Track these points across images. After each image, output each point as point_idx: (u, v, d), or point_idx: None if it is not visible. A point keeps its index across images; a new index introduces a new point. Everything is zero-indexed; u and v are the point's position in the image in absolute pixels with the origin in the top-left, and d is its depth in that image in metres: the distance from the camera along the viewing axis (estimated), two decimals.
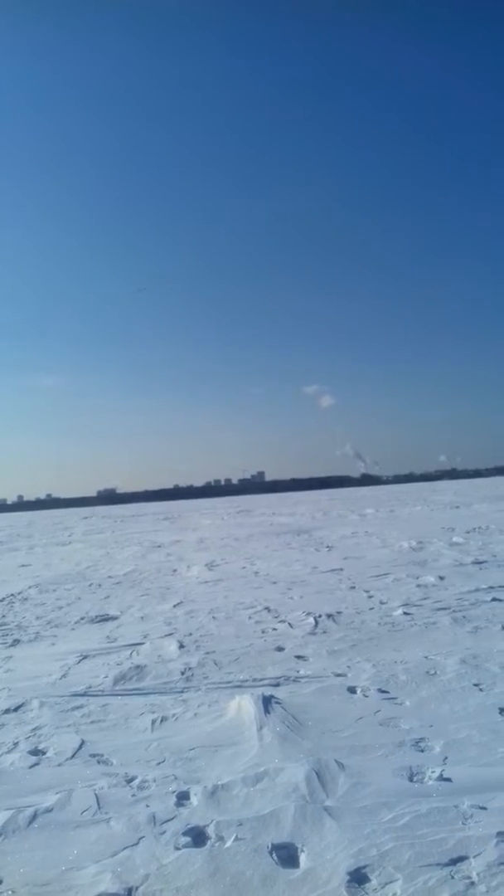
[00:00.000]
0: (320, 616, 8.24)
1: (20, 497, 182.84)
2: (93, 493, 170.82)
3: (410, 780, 3.86)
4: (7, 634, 8.71)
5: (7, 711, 5.55)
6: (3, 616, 10.09)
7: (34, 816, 3.67)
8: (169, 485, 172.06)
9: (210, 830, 3.43)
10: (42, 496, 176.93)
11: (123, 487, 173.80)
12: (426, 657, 6.27)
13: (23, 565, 17.62)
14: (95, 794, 3.89)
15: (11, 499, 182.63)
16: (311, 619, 8.12)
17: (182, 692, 5.78)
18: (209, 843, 3.33)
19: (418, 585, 9.94)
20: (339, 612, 8.45)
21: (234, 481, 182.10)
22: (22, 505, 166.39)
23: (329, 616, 8.24)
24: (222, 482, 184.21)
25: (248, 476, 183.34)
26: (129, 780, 4.07)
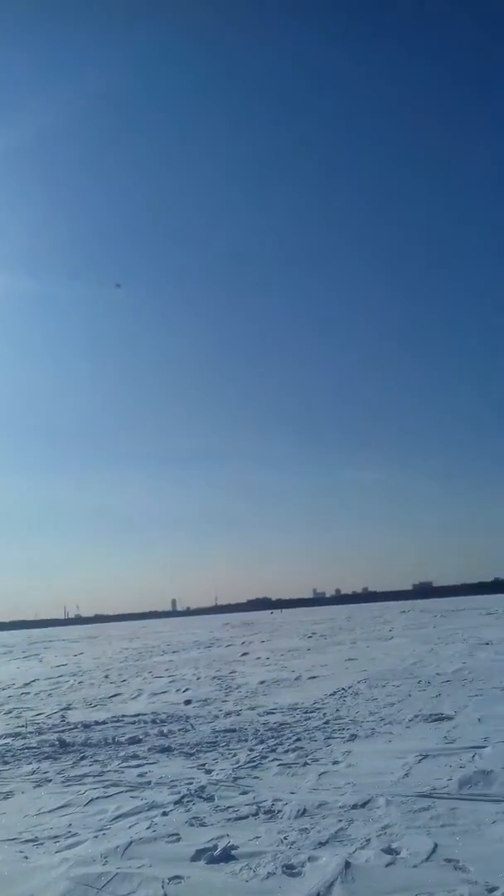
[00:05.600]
0: None
1: (337, 591, 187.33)
2: (408, 587, 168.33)
3: None
4: (344, 729, 8.86)
5: (355, 807, 5.61)
6: (337, 710, 10.29)
7: None
8: (488, 578, 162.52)
9: None
10: (358, 589, 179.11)
11: (440, 581, 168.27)
12: None
13: (349, 659, 17.89)
14: None
15: (330, 592, 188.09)
16: None
17: None
18: None
19: None
20: None
21: None
22: (339, 598, 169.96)
23: None
24: None
25: None
26: (491, 891, 3.84)
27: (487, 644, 18.77)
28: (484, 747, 7.16)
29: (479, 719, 8.69)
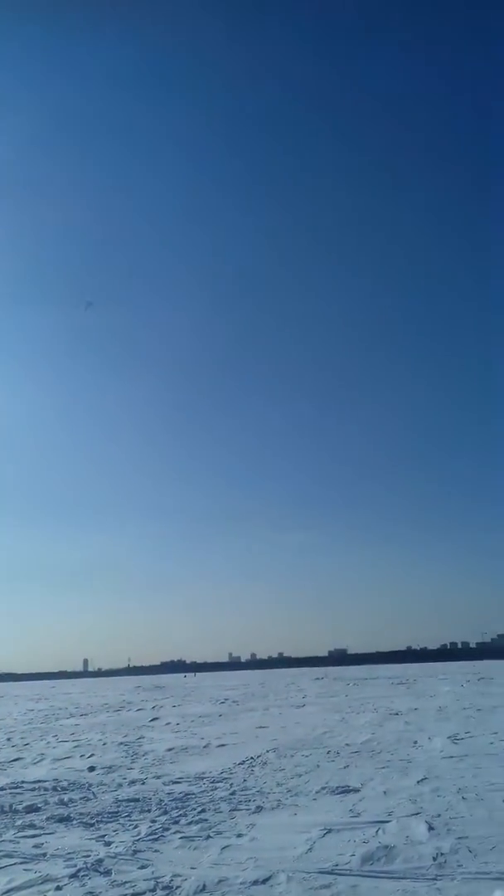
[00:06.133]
0: None
1: (253, 655, 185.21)
2: (324, 653, 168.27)
3: None
4: (250, 800, 8.71)
5: (256, 883, 5.51)
6: (245, 780, 10.12)
7: None
8: (401, 646, 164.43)
9: None
10: (274, 655, 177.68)
11: (354, 648, 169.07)
12: None
13: (260, 727, 17.65)
14: None
15: (245, 657, 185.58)
16: None
17: (435, 880, 5.36)
18: None
19: None
20: None
21: (472, 644, 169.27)
22: (255, 663, 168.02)
23: None
24: (458, 645, 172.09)
25: (486, 639, 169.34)
26: None
27: (397, 714, 18.90)
28: (388, 822, 7.18)
29: (384, 792, 8.71)
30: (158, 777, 10.81)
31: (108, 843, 6.94)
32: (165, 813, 8.23)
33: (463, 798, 8.07)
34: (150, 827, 7.55)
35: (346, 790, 8.96)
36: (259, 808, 8.24)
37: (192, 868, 6.01)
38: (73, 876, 5.87)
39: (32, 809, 8.74)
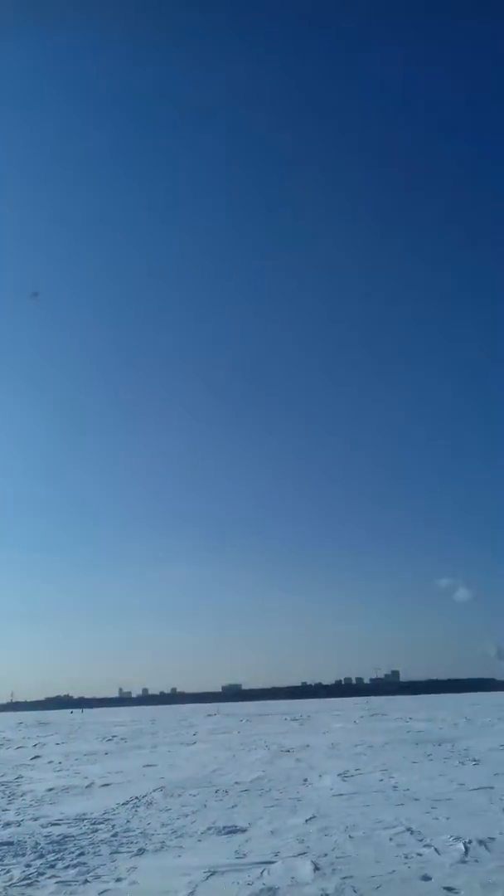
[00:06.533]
0: (470, 842, 7.38)
1: (145, 690, 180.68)
2: (217, 689, 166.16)
3: None
4: (132, 842, 8.32)
5: None
6: (128, 822, 9.69)
7: None
8: (296, 682, 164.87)
9: None
10: (167, 690, 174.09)
11: (249, 684, 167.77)
12: None
13: (147, 765, 17.06)
14: None
15: (136, 692, 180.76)
16: (461, 845, 7.27)
17: None
18: None
19: None
20: (492, 839, 7.53)
21: (366, 681, 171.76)
22: (146, 699, 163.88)
23: (481, 842, 7.36)
24: (353, 681, 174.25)
25: (380, 675, 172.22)
26: None
27: (288, 751, 18.76)
28: (273, 862, 7.00)
29: (272, 832, 8.53)
30: (36, 819, 10.21)
31: None
32: (41, 856, 7.74)
33: (350, 837, 8.00)
34: (24, 871, 7.08)
35: (233, 830, 8.72)
36: (141, 851, 7.88)
37: None
38: None
39: None
